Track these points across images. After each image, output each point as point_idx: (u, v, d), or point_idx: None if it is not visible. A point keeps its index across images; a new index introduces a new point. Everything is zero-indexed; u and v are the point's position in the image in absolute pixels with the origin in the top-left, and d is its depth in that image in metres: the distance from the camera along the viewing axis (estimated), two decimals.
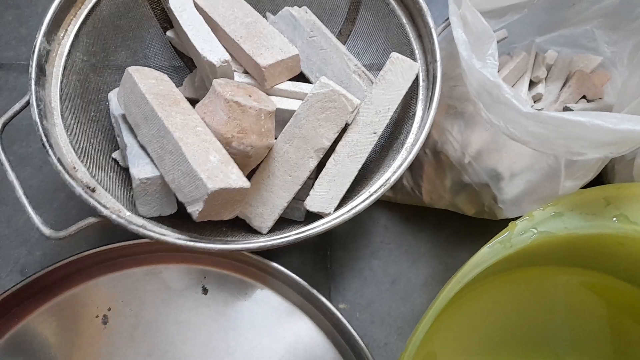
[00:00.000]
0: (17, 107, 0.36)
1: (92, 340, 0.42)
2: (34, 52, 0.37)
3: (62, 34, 0.39)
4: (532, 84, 0.45)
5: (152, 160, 0.36)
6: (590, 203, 0.34)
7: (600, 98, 0.43)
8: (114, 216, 0.33)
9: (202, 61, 0.38)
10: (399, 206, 0.50)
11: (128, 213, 0.35)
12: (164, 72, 0.48)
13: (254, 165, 0.38)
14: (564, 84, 0.44)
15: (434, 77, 0.38)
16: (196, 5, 0.43)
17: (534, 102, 0.44)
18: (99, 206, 0.33)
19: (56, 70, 0.38)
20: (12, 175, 0.34)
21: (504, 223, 0.36)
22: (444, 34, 0.42)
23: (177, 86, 0.46)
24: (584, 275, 0.40)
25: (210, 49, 0.38)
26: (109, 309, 0.43)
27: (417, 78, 0.39)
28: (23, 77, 0.54)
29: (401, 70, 0.38)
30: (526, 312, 0.40)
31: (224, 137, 0.34)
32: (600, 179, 0.45)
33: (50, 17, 0.38)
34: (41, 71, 0.37)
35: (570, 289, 0.40)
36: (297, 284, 0.42)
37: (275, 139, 0.39)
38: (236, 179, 0.33)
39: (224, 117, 0.34)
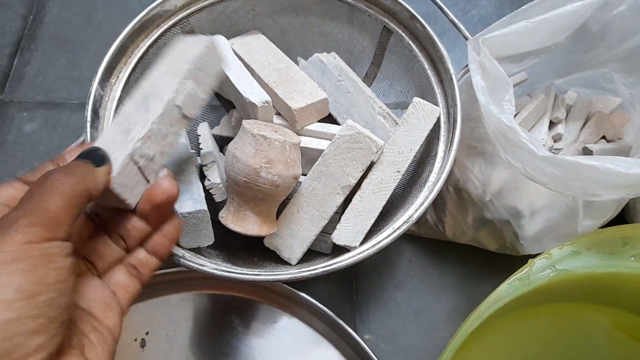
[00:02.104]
0: (72, 146, 0.40)
1: None
2: (89, 98, 0.41)
3: (114, 80, 0.43)
4: (552, 124, 0.47)
5: (192, 196, 0.39)
6: (608, 242, 0.35)
7: (619, 138, 0.44)
8: None
9: (243, 102, 0.42)
10: (423, 240, 0.51)
11: None
12: (203, 111, 0.52)
13: (282, 196, 0.40)
14: (584, 125, 0.46)
15: (454, 120, 0.40)
16: (234, 52, 0.47)
17: (554, 142, 0.46)
18: None
19: (108, 112, 0.42)
20: None
21: (526, 258, 0.37)
22: (465, 77, 0.44)
23: (215, 124, 0.49)
24: (609, 313, 0.41)
25: (251, 91, 0.41)
26: (147, 333, 0.46)
27: (438, 120, 0.42)
28: (75, 115, 0.59)
29: (423, 113, 0.40)
30: (548, 346, 0.41)
31: (253, 168, 0.36)
32: (622, 217, 0.46)
33: (105, 66, 0.42)
34: (95, 115, 0.41)
35: (592, 326, 0.41)
36: (323, 313, 0.44)
37: (305, 175, 0.42)
38: None
39: (252, 150, 0.37)
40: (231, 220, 0.38)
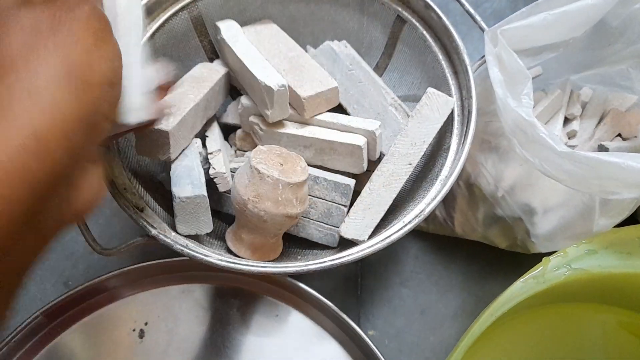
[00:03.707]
0: None
1: (128, 353, 0.44)
2: None
3: None
4: (566, 120, 0.46)
5: (192, 182, 0.38)
6: (625, 242, 0.34)
7: (635, 137, 0.43)
8: (161, 236, 0.35)
9: (258, 87, 0.40)
10: (430, 236, 0.50)
11: (173, 233, 0.37)
12: None
13: (276, 230, 0.38)
14: (599, 122, 0.45)
15: (469, 113, 0.39)
16: None
17: (568, 138, 0.45)
18: (148, 226, 0.35)
19: None
20: None
21: (536, 257, 0.36)
22: (479, 70, 0.43)
23: (222, 112, 0.48)
24: (621, 314, 0.40)
25: (267, 75, 0.40)
26: (146, 324, 0.45)
27: (452, 113, 0.41)
28: None
29: (437, 105, 0.39)
30: (560, 347, 0.40)
31: (242, 199, 0.36)
32: (635, 217, 0.45)
33: None
34: None
35: (606, 328, 0.40)
36: (328, 308, 0.43)
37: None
38: None
39: (246, 181, 0.36)
40: (230, 239, 0.40)
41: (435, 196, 0.37)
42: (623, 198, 0.34)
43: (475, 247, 0.48)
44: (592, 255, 0.34)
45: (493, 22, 0.41)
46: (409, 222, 0.37)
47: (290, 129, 0.42)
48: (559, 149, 0.32)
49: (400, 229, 0.37)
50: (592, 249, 0.34)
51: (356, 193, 0.41)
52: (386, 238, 0.37)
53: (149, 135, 0.38)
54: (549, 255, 0.36)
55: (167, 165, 0.41)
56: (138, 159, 0.42)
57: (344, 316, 0.42)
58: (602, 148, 0.43)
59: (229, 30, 0.44)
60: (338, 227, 0.41)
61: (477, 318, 0.31)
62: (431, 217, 0.48)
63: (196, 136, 0.43)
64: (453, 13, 0.57)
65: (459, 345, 0.31)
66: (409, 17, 0.44)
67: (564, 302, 0.38)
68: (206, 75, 0.44)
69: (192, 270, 0.46)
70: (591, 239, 0.34)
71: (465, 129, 0.39)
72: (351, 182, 0.41)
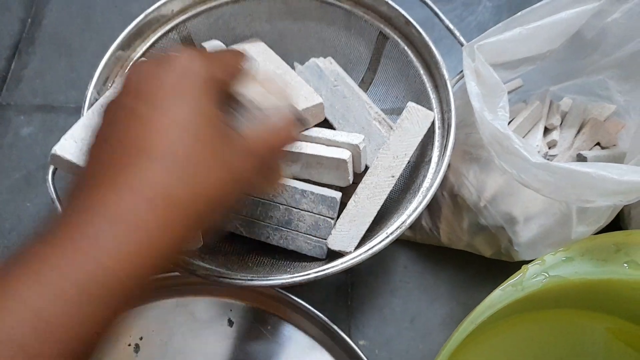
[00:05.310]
0: None
1: None
2: (85, 102, 0.41)
3: (110, 85, 0.43)
4: (547, 130, 0.47)
5: None
6: (601, 249, 0.35)
7: (614, 145, 0.44)
8: None
9: None
10: (418, 245, 0.51)
11: None
12: None
13: None
14: (578, 131, 0.46)
15: (449, 125, 0.40)
16: None
17: (549, 148, 0.46)
18: None
19: None
20: None
21: (521, 265, 0.37)
22: (460, 83, 0.45)
23: None
24: (606, 320, 0.41)
25: None
26: (141, 338, 0.46)
27: (433, 125, 0.42)
28: (72, 119, 0.59)
29: (417, 119, 0.41)
30: (543, 354, 0.41)
31: None
32: (617, 224, 0.46)
33: (101, 71, 0.42)
34: None
35: (592, 335, 0.41)
36: (318, 318, 0.44)
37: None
38: None
39: None
40: None
41: (417, 207, 0.38)
42: (598, 206, 0.35)
43: (462, 256, 0.49)
44: (569, 262, 0.34)
45: (477, 35, 0.42)
46: (392, 233, 0.38)
47: None
48: (533, 160, 0.33)
49: (383, 239, 0.38)
50: (569, 257, 0.35)
51: (343, 205, 0.42)
52: (370, 249, 0.38)
53: None
54: (529, 263, 0.36)
55: None
56: None
57: (334, 326, 0.43)
58: (580, 157, 0.44)
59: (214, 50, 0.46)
60: (326, 239, 0.42)
61: (458, 327, 0.32)
62: (418, 227, 0.49)
63: None
64: (438, 27, 0.58)
65: (441, 353, 0.32)
66: (391, 33, 0.46)
67: (543, 309, 0.39)
68: None
69: (185, 285, 0.47)
70: (568, 246, 0.35)
71: (445, 141, 0.40)
72: (337, 195, 0.42)
